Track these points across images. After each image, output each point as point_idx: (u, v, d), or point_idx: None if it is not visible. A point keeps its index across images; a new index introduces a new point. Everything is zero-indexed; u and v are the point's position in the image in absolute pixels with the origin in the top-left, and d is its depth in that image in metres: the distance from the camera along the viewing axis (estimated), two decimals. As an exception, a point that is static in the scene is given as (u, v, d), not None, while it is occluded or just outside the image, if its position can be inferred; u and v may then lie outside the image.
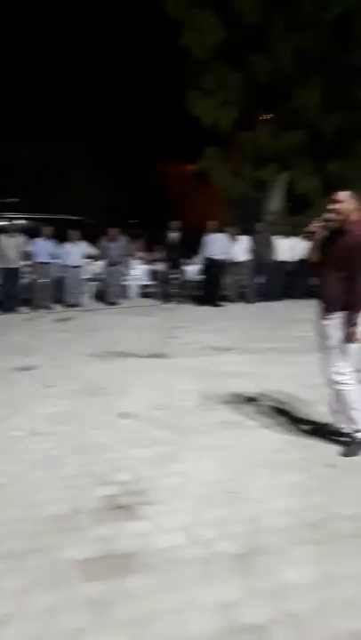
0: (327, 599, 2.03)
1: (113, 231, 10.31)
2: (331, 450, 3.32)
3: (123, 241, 10.53)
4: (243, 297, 10.45)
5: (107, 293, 10.37)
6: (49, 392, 4.56)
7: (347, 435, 3.37)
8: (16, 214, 14.32)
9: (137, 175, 22.73)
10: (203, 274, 10.40)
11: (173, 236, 10.39)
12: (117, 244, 10.33)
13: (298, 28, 11.95)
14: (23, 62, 19.31)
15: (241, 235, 10.42)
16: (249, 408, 4.15)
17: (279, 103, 13.12)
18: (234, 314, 9.15)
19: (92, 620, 1.92)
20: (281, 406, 4.20)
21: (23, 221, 13.40)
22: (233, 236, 10.26)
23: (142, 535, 2.44)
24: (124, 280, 10.94)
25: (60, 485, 2.90)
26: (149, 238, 13.72)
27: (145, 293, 11.35)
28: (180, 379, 4.95)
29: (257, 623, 1.91)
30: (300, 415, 3.98)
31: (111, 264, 10.29)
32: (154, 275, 11.28)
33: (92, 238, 10.35)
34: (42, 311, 9.29)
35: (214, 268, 10.02)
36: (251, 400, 4.35)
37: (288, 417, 3.95)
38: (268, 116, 14.26)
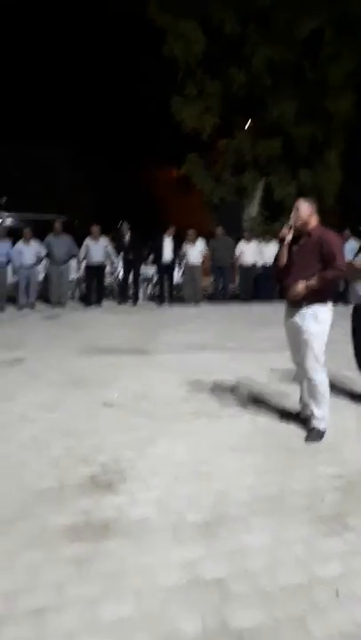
0: (278, 558, 2.36)
1: (95, 230, 10.22)
2: (290, 436, 3.68)
3: (104, 241, 10.45)
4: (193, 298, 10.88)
5: (88, 294, 10.43)
6: (36, 383, 4.86)
7: (310, 424, 3.73)
8: (3, 213, 14.53)
9: (124, 178, 23.00)
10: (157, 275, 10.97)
11: (127, 238, 10.46)
12: (100, 243, 10.27)
13: (273, 41, 12.36)
14: (12, 64, 19.42)
15: (200, 239, 10.81)
16: (220, 399, 4.49)
17: (256, 112, 13.55)
18: (210, 315, 9.50)
19: (72, 575, 2.22)
20: (250, 398, 4.54)
21: (10, 221, 13.63)
22: (190, 240, 10.58)
23: (119, 507, 2.75)
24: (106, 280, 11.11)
25: (46, 464, 3.20)
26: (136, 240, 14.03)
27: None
28: (158, 373, 5.27)
29: (217, 577, 2.23)
30: (267, 405, 4.33)
31: (92, 264, 10.22)
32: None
33: (78, 238, 10.45)
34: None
35: (165, 270, 10.55)
36: (222, 392, 4.69)
37: (256, 407, 4.30)
38: (250, 123, 14.68)
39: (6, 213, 15.16)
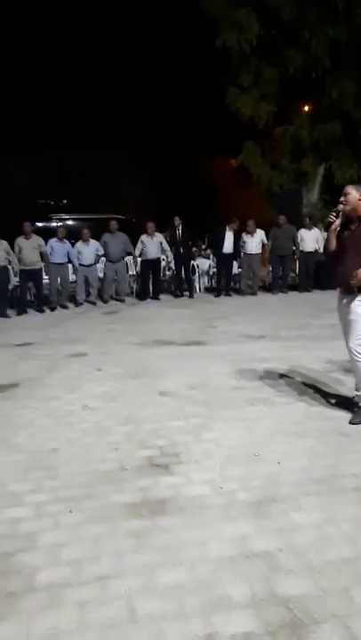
0: (326, 534, 2.45)
1: (150, 226, 10.35)
2: (344, 422, 3.70)
3: (159, 236, 10.50)
4: (250, 288, 10.92)
5: (143, 289, 10.59)
6: (97, 375, 5.13)
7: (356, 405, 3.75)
8: (66, 215, 15.15)
9: (181, 172, 23.21)
10: (215, 267, 11.05)
11: (179, 231, 10.51)
12: (155, 239, 10.36)
13: (331, 22, 12.03)
14: (67, 68, 20.07)
15: (258, 229, 10.76)
16: (275, 387, 4.56)
17: (315, 95, 13.26)
18: (268, 305, 9.50)
19: (132, 546, 2.42)
20: (305, 386, 4.59)
21: (71, 222, 14.18)
22: (250, 230, 10.58)
23: (175, 486, 2.92)
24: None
25: (108, 449, 3.43)
26: (193, 233, 14.21)
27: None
28: (214, 363, 5.41)
29: (266, 550, 2.35)
30: (322, 393, 4.36)
31: (148, 260, 10.33)
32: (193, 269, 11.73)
33: (138, 235, 10.65)
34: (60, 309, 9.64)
35: (224, 262, 10.62)
36: (277, 381, 4.76)
37: (310, 394, 4.34)
38: (308, 107, 14.38)
39: (66, 215, 15.76)
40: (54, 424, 3.89)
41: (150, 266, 10.39)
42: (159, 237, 10.44)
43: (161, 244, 10.42)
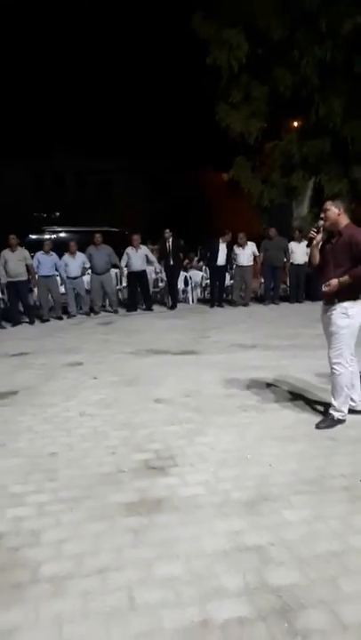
0: (315, 530, 2.58)
1: (136, 239, 10.46)
2: (334, 427, 3.85)
3: (144, 249, 10.60)
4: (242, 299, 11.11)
5: (131, 300, 10.71)
6: (93, 383, 5.26)
7: (352, 411, 3.92)
8: (58, 228, 15.32)
9: (175, 185, 23.56)
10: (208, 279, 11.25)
11: (168, 244, 10.64)
12: (140, 251, 10.45)
13: (319, 41, 12.41)
14: (66, 82, 20.41)
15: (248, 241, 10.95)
16: (266, 395, 4.71)
17: (304, 112, 13.61)
18: (260, 315, 9.68)
19: (130, 542, 2.54)
20: (295, 393, 4.74)
21: (63, 234, 14.35)
22: (241, 243, 10.81)
23: (170, 487, 3.05)
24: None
25: (105, 453, 3.55)
26: (186, 246, 14.43)
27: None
28: (207, 371, 5.55)
29: (258, 544, 2.48)
30: (312, 400, 4.51)
31: (133, 272, 10.44)
32: (186, 281, 11.91)
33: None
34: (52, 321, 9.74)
35: (217, 274, 10.82)
36: (268, 388, 4.91)
37: (300, 401, 4.49)
38: (297, 124, 14.72)
39: (58, 227, 15.93)
40: (53, 429, 4.01)
41: (136, 278, 10.53)
42: (144, 250, 10.57)
43: (146, 256, 10.55)
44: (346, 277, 3.62)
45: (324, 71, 12.89)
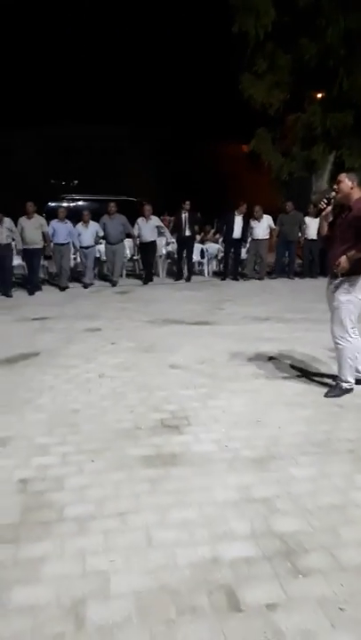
0: (319, 486, 2.77)
1: (147, 209, 10.48)
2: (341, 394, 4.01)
3: (155, 220, 10.57)
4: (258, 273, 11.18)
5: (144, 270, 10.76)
6: (112, 348, 5.46)
7: (358, 381, 4.07)
8: (77, 196, 15.37)
9: (195, 156, 23.31)
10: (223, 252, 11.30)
11: (185, 216, 10.64)
12: (150, 222, 10.46)
13: (346, 9, 12.10)
14: (78, 48, 20.11)
15: (265, 214, 10.96)
16: (277, 364, 4.87)
17: (328, 84, 13.35)
18: (274, 289, 9.77)
19: (147, 490, 2.74)
20: (306, 363, 4.89)
21: (82, 202, 14.41)
22: (257, 216, 10.81)
23: (185, 444, 3.25)
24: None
25: (124, 411, 3.76)
26: (203, 218, 14.45)
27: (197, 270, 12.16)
28: (221, 341, 5.72)
29: (265, 496, 2.67)
30: (322, 370, 4.67)
31: (144, 242, 10.49)
32: (202, 253, 11.97)
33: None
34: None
35: (232, 247, 10.87)
36: (279, 358, 5.07)
37: (310, 371, 4.65)
38: (321, 96, 14.46)
39: (78, 195, 15.97)
40: (74, 389, 4.23)
41: (146, 248, 10.56)
42: (155, 221, 10.56)
43: (157, 227, 10.53)
44: (353, 252, 3.70)
45: (351, 42, 12.59)
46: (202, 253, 11.89)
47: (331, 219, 3.96)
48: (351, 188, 3.78)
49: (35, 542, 2.32)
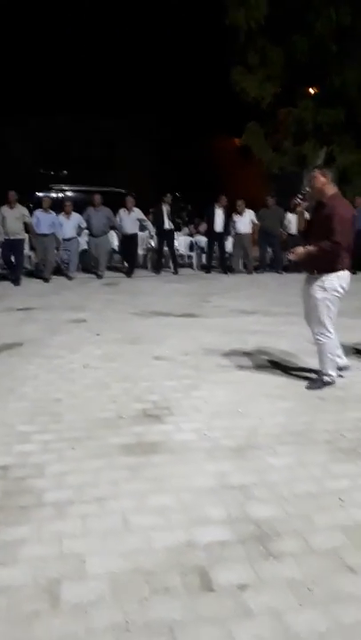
0: (296, 475, 2.82)
1: (129, 201, 10.43)
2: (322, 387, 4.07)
3: (137, 212, 10.56)
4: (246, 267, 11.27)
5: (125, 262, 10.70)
6: (97, 339, 5.49)
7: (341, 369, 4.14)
8: (66, 186, 15.27)
9: (186, 149, 23.24)
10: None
11: (166, 209, 10.68)
12: (132, 215, 10.43)
13: (338, 3, 12.14)
14: (74, 38, 19.93)
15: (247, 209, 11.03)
16: (261, 357, 4.93)
17: (320, 79, 13.41)
18: (262, 283, 9.85)
19: (126, 477, 2.78)
20: (290, 356, 4.95)
21: (71, 193, 14.31)
22: (239, 210, 10.85)
23: (166, 433, 3.29)
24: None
25: (107, 401, 3.79)
26: (193, 211, 14.47)
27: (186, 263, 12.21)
28: (206, 333, 5.77)
29: (242, 484, 2.73)
30: (304, 362, 4.73)
31: (125, 234, 10.45)
32: (191, 246, 12.02)
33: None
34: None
35: (215, 240, 10.93)
36: (264, 351, 5.12)
37: (294, 364, 4.71)
38: (313, 91, 14.51)
39: (66, 186, 15.86)
40: (58, 378, 4.26)
41: (127, 241, 10.49)
42: (137, 213, 10.47)
43: (139, 220, 10.48)
44: (313, 248, 3.75)
45: (343, 38, 12.63)
46: (191, 246, 11.91)
47: (307, 215, 4.01)
48: (324, 184, 3.81)
49: (13, 526, 2.35)
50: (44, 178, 20.75)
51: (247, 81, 13.96)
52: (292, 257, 3.87)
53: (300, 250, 3.80)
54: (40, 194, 13.54)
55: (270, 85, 13.98)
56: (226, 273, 10.96)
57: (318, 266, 3.85)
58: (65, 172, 23.55)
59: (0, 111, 19.16)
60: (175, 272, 10.82)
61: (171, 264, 11.09)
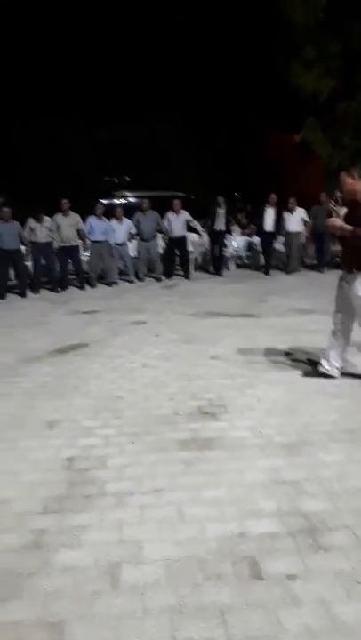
0: (347, 471, 2.86)
1: (176, 203, 10.36)
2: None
3: (185, 214, 10.45)
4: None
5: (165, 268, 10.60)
6: (155, 340, 5.69)
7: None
8: (127, 192, 15.70)
9: (241, 149, 23.17)
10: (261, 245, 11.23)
11: (220, 210, 10.60)
12: (180, 217, 10.39)
13: None
14: (124, 43, 20.28)
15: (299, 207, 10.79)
16: (317, 355, 4.91)
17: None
18: (320, 281, 9.69)
19: (182, 470, 2.93)
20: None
21: (133, 199, 14.71)
22: (290, 208, 10.67)
23: (220, 429, 3.41)
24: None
25: (164, 398, 3.96)
26: (250, 211, 14.44)
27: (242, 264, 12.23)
28: (262, 333, 5.82)
29: (294, 479, 2.80)
30: (362, 362, 4.69)
31: (173, 237, 10.43)
32: (249, 246, 12.01)
33: (194, 214, 10.87)
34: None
35: (267, 239, 10.81)
36: (319, 350, 5.09)
37: (351, 362, 4.67)
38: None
39: (127, 192, 16.30)
40: (119, 377, 4.48)
41: (175, 243, 10.47)
42: (185, 215, 10.45)
43: (187, 221, 10.45)
44: (350, 228, 3.74)
45: None
46: (249, 247, 11.92)
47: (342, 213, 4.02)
48: (353, 184, 3.81)
49: (78, 513, 2.56)
50: (107, 185, 21.41)
51: (304, 76, 13.77)
52: (329, 224, 3.89)
53: (338, 222, 3.82)
54: (104, 201, 14.04)
55: (328, 79, 13.73)
56: (268, 273, 10.75)
57: (359, 264, 3.86)
58: (127, 178, 24.16)
59: (65, 122, 19.93)
60: (219, 274, 10.78)
61: (225, 265, 11.10)
